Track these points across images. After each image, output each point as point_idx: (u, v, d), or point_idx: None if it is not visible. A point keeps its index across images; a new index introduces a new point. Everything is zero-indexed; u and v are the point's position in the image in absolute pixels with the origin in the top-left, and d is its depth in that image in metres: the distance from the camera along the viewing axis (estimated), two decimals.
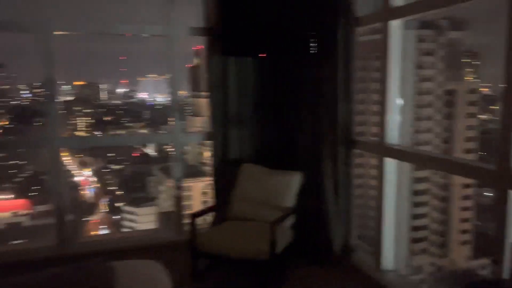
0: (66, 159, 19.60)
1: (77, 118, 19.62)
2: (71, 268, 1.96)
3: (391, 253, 3.12)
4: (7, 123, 17.74)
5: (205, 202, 16.50)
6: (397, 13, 2.82)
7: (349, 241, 3.43)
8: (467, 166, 2.45)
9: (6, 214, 16.93)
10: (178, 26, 3.68)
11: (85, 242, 3.88)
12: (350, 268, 3.34)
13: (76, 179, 19.83)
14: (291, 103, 3.60)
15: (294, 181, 3.45)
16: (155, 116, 19.79)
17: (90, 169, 19.79)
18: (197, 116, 19.22)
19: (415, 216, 10.21)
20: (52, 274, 1.90)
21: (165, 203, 18.30)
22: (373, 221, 3.26)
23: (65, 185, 3.68)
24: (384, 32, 2.90)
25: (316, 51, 3.28)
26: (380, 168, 3.05)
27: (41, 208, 16.62)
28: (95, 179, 19.60)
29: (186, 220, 4.05)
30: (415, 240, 10.13)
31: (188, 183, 18.38)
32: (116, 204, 19.45)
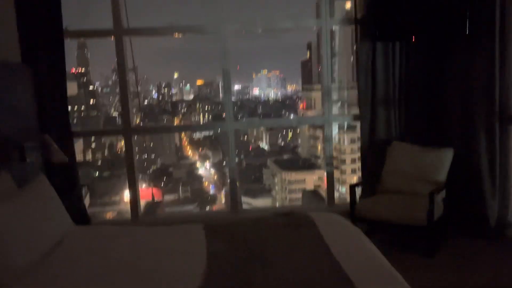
0: (190, 153, 21.65)
1: (199, 115, 21.32)
2: (283, 215, 2.54)
3: None
4: (137, 121, 20.08)
5: None
6: None
7: (506, 216, 3.53)
8: None
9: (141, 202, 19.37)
10: (329, 17, 4.10)
11: (246, 210, 4.59)
12: (507, 241, 3.45)
13: (200, 171, 21.56)
14: (439, 83, 3.81)
15: (445, 157, 3.66)
16: (269, 111, 20.69)
17: (208, 162, 21.38)
18: (309, 109, 19.62)
19: None
20: (272, 218, 2.48)
21: (279, 194, 19.09)
22: None
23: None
24: None
25: (470, 31, 3.44)
26: None
27: (169, 197, 18.64)
28: (213, 171, 21.12)
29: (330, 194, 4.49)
30: None
31: (301, 175, 18.93)
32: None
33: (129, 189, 4.06)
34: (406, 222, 3.30)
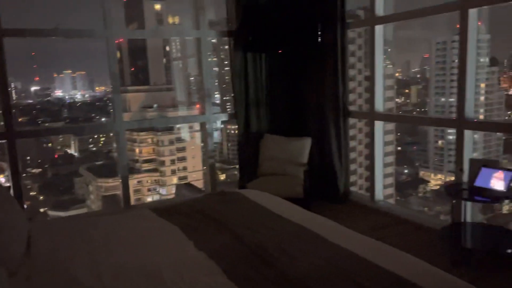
0: None
1: None
2: (217, 194, 3.18)
3: (380, 188, 4.68)
4: None
5: (138, 199, 17.13)
6: (381, 20, 4.36)
7: (349, 185, 4.94)
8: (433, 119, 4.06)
9: None
10: (207, 29, 4.85)
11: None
12: (351, 202, 4.85)
13: None
14: (299, 86, 5.00)
15: (305, 144, 4.86)
16: (77, 114, 19.80)
17: (2, 175, 19.09)
18: (125, 112, 19.54)
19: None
20: (208, 197, 3.09)
21: (95, 203, 18.40)
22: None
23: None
24: (371, 32, 4.42)
25: (320, 45, 4.68)
26: (371, 128, 4.59)
27: None
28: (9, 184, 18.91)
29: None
30: None
31: (119, 181, 18.69)
32: (40, 210, 18.99)
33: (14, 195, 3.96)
34: (288, 196, 4.30)
